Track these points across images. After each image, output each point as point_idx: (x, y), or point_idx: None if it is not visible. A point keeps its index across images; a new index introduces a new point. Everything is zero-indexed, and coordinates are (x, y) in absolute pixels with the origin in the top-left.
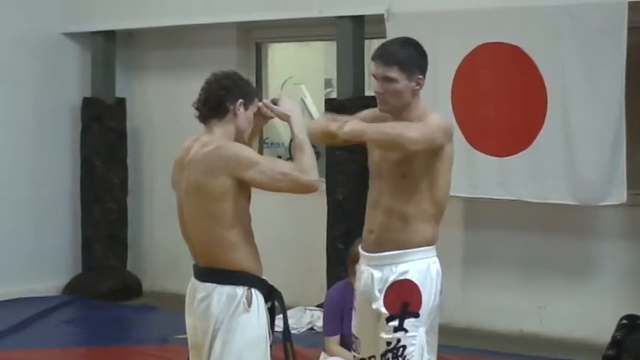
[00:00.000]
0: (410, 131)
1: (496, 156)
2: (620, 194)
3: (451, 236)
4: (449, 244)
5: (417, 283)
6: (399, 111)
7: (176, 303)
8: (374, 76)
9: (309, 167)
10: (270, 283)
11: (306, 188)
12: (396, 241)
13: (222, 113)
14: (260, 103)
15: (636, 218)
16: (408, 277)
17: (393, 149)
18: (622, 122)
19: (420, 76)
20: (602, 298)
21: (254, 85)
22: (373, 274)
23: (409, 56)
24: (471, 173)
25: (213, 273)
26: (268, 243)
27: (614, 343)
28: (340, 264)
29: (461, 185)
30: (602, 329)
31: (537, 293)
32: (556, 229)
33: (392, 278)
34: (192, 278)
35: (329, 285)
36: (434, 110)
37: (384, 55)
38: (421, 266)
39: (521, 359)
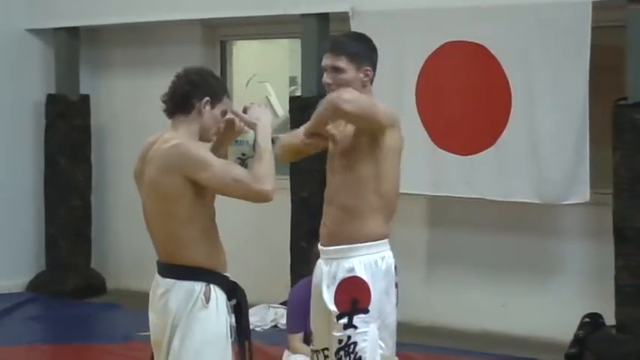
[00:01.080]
0: (346, 93)
1: (460, 154)
2: (583, 193)
3: (415, 234)
4: (413, 242)
5: (365, 279)
6: None
7: (140, 301)
8: (324, 68)
9: (264, 176)
10: (234, 280)
11: (258, 197)
12: (345, 235)
13: (187, 109)
14: (230, 114)
15: (599, 217)
16: (355, 273)
17: (333, 114)
18: (586, 121)
19: (369, 68)
20: (565, 296)
21: (225, 83)
22: (322, 268)
23: (358, 48)
24: (435, 171)
25: (172, 269)
26: (232, 240)
27: (577, 341)
28: (304, 262)
29: (425, 183)
30: (564, 327)
31: (501, 291)
32: (520, 227)
33: (340, 275)
34: (156, 274)
35: (293, 283)
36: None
37: (333, 46)
38: (368, 261)
39: (484, 357)
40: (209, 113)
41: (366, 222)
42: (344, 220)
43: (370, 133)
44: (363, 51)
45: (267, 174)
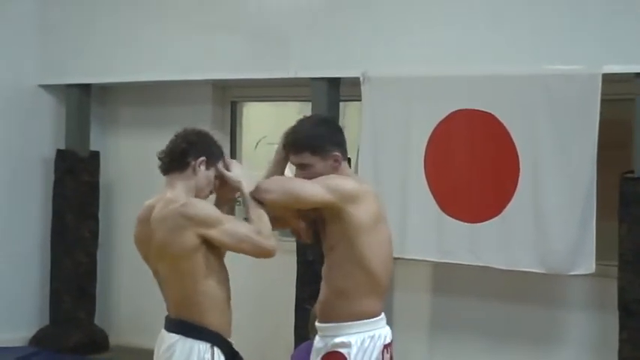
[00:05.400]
0: (265, 183)
1: (466, 222)
2: (589, 264)
3: (419, 301)
4: (417, 308)
5: (346, 356)
6: None
7: (142, 358)
8: (292, 163)
9: (267, 234)
10: (235, 345)
11: (266, 253)
12: (336, 313)
13: (182, 167)
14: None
15: (604, 289)
16: (338, 349)
17: (267, 206)
18: (593, 193)
19: (337, 153)
20: None
21: (226, 145)
22: (315, 345)
23: (318, 137)
24: (441, 238)
25: (179, 324)
26: (237, 302)
27: None
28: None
29: (430, 249)
30: None
31: None
32: (525, 297)
33: (324, 351)
34: (162, 329)
35: (296, 345)
36: (354, 177)
37: (294, 143)
38: (356, 339)
39: None
40: (203, 173)
41: (354, 302)
42: (332, 299)
43: (328, 212)
44: (324, 139)
45: (268, 231)
